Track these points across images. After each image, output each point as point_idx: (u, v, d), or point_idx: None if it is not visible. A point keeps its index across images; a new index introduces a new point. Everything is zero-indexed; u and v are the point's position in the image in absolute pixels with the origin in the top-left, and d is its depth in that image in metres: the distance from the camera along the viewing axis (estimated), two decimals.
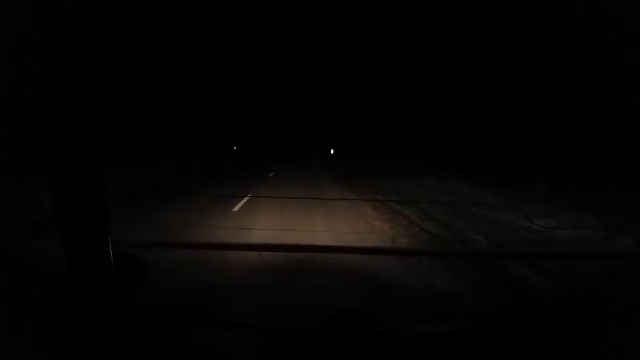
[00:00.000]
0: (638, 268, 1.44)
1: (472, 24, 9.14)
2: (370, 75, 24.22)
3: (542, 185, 7.37)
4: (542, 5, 6.59)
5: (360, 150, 28.45)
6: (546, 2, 6.49)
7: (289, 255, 3.39)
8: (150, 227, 5.18)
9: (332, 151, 43.13)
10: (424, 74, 14.53)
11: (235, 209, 6.63)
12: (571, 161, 6.85)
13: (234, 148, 36.85)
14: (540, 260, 3.57)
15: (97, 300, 0.98)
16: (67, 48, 1.01)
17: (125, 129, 10.97)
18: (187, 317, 1.14)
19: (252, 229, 4.98)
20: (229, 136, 35.16)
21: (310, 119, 49.28)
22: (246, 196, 8.04)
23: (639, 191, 5.18)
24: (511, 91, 8.25)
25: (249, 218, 5.73)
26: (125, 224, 5.02)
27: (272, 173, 16.46)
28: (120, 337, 0.92)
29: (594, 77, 5.82)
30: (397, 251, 4.04)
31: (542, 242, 4.75)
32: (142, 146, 14.12)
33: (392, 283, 3.09)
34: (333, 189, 10.54)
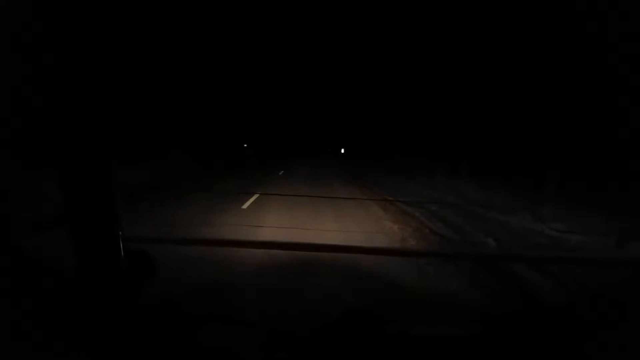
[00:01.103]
0: None
1: (485, 24, 9.04)
2: (383, 76, 24.17)
3: (551, 188, 7.26)
4: (554, 6, 6.49)
5: (371, 150, 28.35)
6: (560, 3, 6.39)
7: (297, 254, 3.39)
8: (158, 222, 5.24)
9: (342, 150, 43.07)
10: (435, 75, 14.42)
11: (245, 206, 6.67)
12: (582, 164, 6.73)
13: (245, 146, 37.07)
14: (549, 265, 3.52)
15: (103, 295, 1.00)
16: (78, 51, 1.02)
17: (137, 128, 11.11)
18: (192, 313, 1.15)
19: (260, 226, 5.00)
20: (240, 134, 35.41)
21: (321, 118, 49.32)
22: (255, 194, 8.08)
23: None
24: (521, 94, 8.14)
25: (257, 215, 5.76)
26: (136, 218, 5.10)
27: (282, 171, 16.51)
28: (124, 333, 0.93)
29: (603, 77, 5.71)
30: (406, 252, 4.01)
31: (551, 246, 4.68)
32: (151, 145, 14.27)
33: (400, 284, 3.08)
34: (342, 188, 10.52)
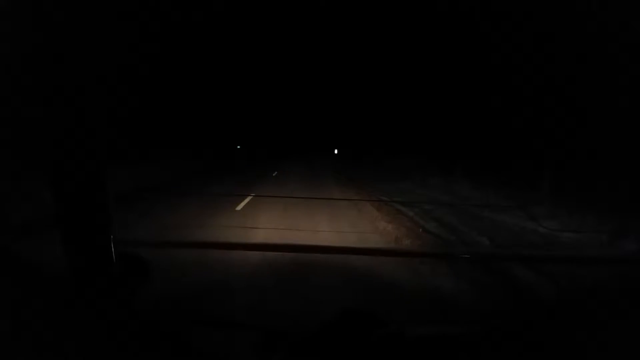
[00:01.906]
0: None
1: (480, 26, 9.10)
2: (377, 76, 24.26)
3: (545, 187, 7.32)
4: (549, 9, 6.54)
5: (364, 151, 28.39)
6: (553, 6, 6.45)
7: (292, 255, 3.38)
8: (153, 224, 5.20)
9: (335, 151, 43.06)
10: (429, 76, 14.50)
11: (239, 207, 6.64)
12: (574, 163, 6.79)
13: (238, 147, 36.96)
14: (542, 263, 3.55)
15: (98, 299, 0.99)
16: (73, 57, 1.01)
17: (132, 131, 11.06)
18: (187, 316, 1.14)
19: (255, 227, 4.98)
20: (233, 135, 35.33)
21: (314, 119, 49.29)
22: (249, 195, 8.05)
23: None
24: (515, 93, 8.20)
25: (252, 217, 5.74)
26: (135, 220, 5.09)
27: (275, 172, 16.47)
28: (120, 336, 0.92)
29: (597, 78, 5.77)
30: (400, 252, 4.02)
31: (545, 245, 4.72)
32: (149, 147, 14.18)
33: (395, 284, 3.08)
34: (336, 189, 10.52)
